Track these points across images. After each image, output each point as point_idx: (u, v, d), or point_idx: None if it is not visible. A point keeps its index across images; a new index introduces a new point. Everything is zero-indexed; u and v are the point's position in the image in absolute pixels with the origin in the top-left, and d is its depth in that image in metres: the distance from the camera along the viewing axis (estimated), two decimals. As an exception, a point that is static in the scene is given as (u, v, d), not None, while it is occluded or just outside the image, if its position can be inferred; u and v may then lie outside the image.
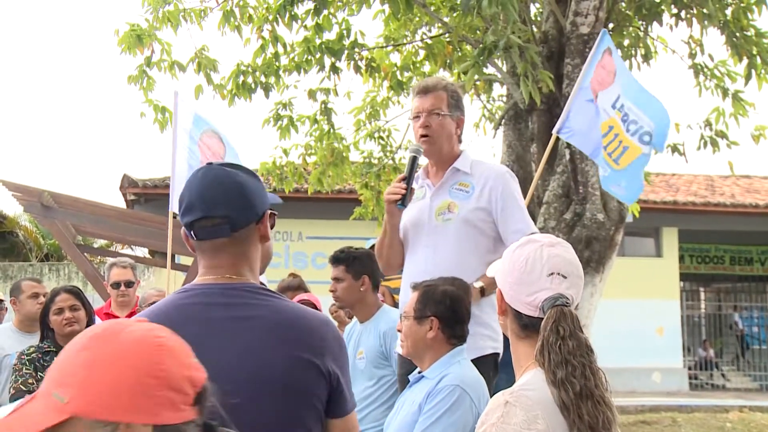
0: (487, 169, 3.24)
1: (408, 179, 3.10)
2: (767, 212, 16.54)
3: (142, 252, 14.78)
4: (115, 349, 1.09)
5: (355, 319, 4.13)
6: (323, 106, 7.93)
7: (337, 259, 3.92)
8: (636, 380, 16.02)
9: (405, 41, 8.20)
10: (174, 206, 4.06)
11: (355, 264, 3.83)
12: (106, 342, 1.10)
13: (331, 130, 8.15)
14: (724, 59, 6.85)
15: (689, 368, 17.75)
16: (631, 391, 15.20)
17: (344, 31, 7.02)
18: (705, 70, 7.01)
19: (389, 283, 4.83)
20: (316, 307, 4.10)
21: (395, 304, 4.45)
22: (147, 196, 14.65)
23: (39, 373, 3.69)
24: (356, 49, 7.16)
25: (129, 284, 5.14)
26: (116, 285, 5.11)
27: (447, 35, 7.31)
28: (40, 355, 3.75)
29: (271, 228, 1.80)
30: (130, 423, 1.07)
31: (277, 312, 1.68)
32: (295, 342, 1.66)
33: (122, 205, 15.01)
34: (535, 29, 6.33)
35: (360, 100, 8.68)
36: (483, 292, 3.03)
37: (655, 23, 7.00)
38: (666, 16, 6.91)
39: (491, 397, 1.81)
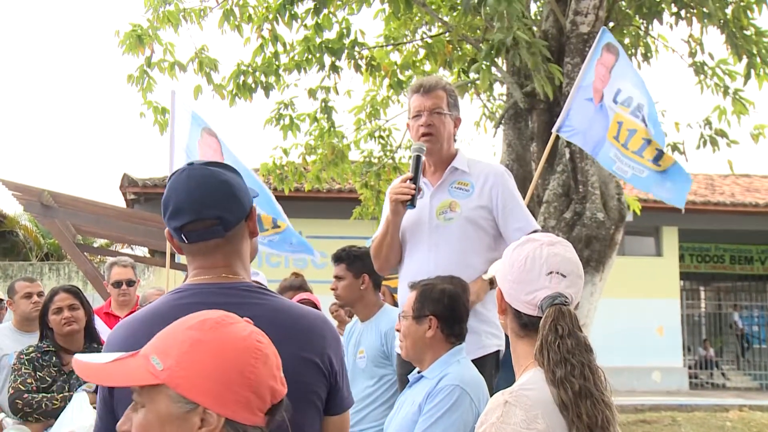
0: (485, 168, 3.26)
1: (415, 179, 3.09)
2: (767, 211, 16.53)
3: (141, 251, 14.79)
4: (220, 338, 1.17)
5: (355, 318, 4.12)
6: (323, 104, 7.93)
7: (338, 258, 3.92)
8: (636, 379, 16.02)
9: (405, 40, 8.19)
10: None
11: (356, 262, 3.83)
12: (215, 329, 1.18)
13: (332, 128, 8.15)
14: (725, 58, 6.85)
15: (689, 367, 17.75)
16: (631, 390, 15.20)
17: (344, 30, 7.01)
18: (705, 68, 7.00)
19: (389, 283, 4.82)
20: (316, 307, 4.10)
21: (396, 304, 4.45)
22: (147, 195, 14.64)
23: (38, 373, 3.69)
24: (356, 48, 7.16)
25: (130, 283, 5.13)
26: (117, 284, 5.11)
27: (447, 34, 7.31)
28: (39, 355, 3.75)
29: None
30: (208, 409, 1.14)
31: (274, 311, 1.67)
32: (294, 341, 1.65)
33: (122, 204, 15.01)
34: (535, 28, 6.32)
35: (360, 98, 8.69)
36: (492, 283, 3.02)
37: (655, 22, 7.00)
38: (666, 15, 6.91)
39: (491, 396, 1.82)
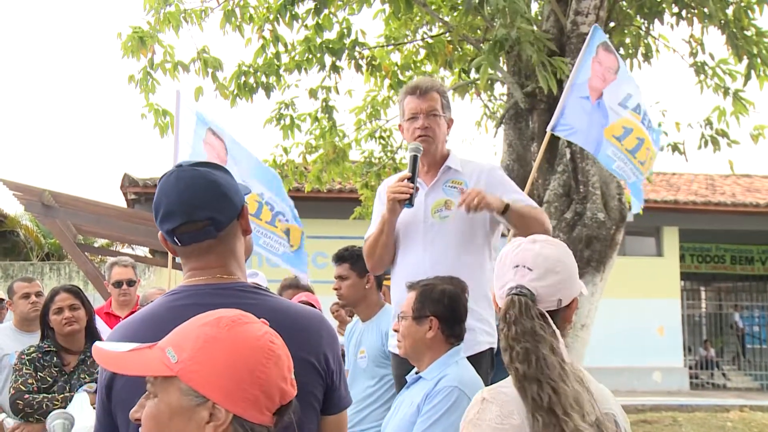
0: (476, 167, 3.30)
1: (412, 178, 3.10)
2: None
3: (142, 251, 14.80)
4: (235, 337, 1.20)
5: (356, 318, 4.12)
6: (324, 104, 7.93)
7: (341, 257, 3.92)
8: (637, 379, 16.02)
9: (406, 41, 8.19)
10: None
11: (359, 262, 3.82)
12: (230, 328, 1.21)
13: (333, 128, 8.15)
14: (725, 58, 6.84)
15: (690, 367, 17.74)
16: (631, 390, 15.20)
17: (345, 30, 7.01)
18: (706, 68, 7.00)
19: (389, 282, 4.82)
20: (315, 307, 4.10)
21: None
22: (147, 195, 14.63)
23: (39, 373, 3.69)
24: (357, 49, 7.16)
25: (130, 283, 5.14)
26: (118, 284, 5.11)
27: (447, 34, 7.31)
28: (40, 355, 3.75)
29: None
30: (217, 404, 1.17)
31: (270, 311, 1.65)
32: (291, 341, 1.65)
33: (123, 204, 15.01)
34: (535, 28, 6.32)
35: (361, 99, 8.69)
36: (507, 208, 3.07)
37: (656, 22, 7.00)
38: (667, 15, 6.91)
39: None
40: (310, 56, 7.05)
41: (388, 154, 8.97)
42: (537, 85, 5.71)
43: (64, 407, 3.45)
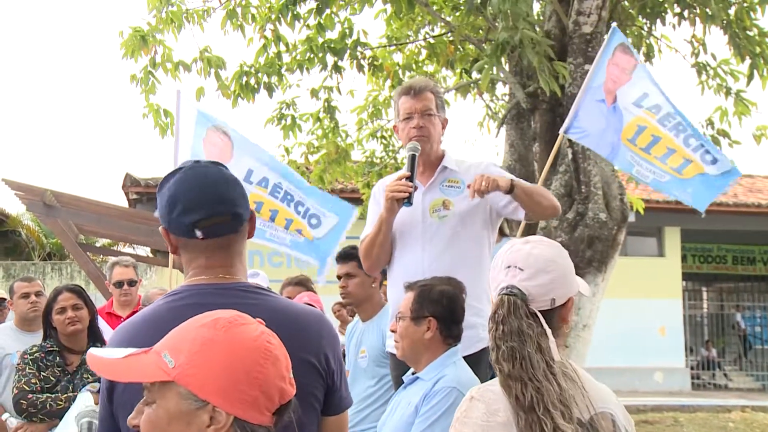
0: (472, 165, 3.32)
1: (411, 177, 3.11)
2: (769, 212, 16.53)
3: (144, 251, 14.80)
4: (232, 338, 1.19)
5: (356, 317, 4.12)
6: (326, 104, 7.93)
7: (348, 255, 3.91)
8: (638, 380, 16.01)
9: (407, 41, 8.20)
10: None
11: None
12: (227, 329, 1.20)
13: (335, 128, 8.15)
14: (727, 58, 6.84)
15: (691, 368, 17.73)
16: (633, 390, 15.19)
17: (347, 31, 7.01)
18: (708, 69, 7.00)
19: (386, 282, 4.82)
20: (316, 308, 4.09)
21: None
22: (149, 195, 14.63)
23: (42, 373, 3.69)
24: (359, 49, 7.16)
25: (131, 283, 5.14)
26: (119, 284, 5.12)
27: (449, 35, 7.31)
28: (43, 355, 3.75)
29: None
30: (216, 407, 1.16)
31: (271, 311, 1.65)
32: (293, 342, 1.64)
33: (124, 204, 15.01)
34: (538, 29, 6.32)
35: (363, 98, 8.69)
36: (512, 187, 3.06)
37: (658, 22, 6.99)
38: (669, 16, 6.90)
39: None
40: (312, 56, 7.05)
41: (390, 153, 8.97)
42: (539, 85, 5.71)
43: (68, 407, 3.45)
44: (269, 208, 4.93)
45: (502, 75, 6.65)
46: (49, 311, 3.81)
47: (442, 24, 7.45)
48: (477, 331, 3.01)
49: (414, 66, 8.11)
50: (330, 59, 7.12)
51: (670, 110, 4.58)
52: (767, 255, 20.03)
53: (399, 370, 3.06)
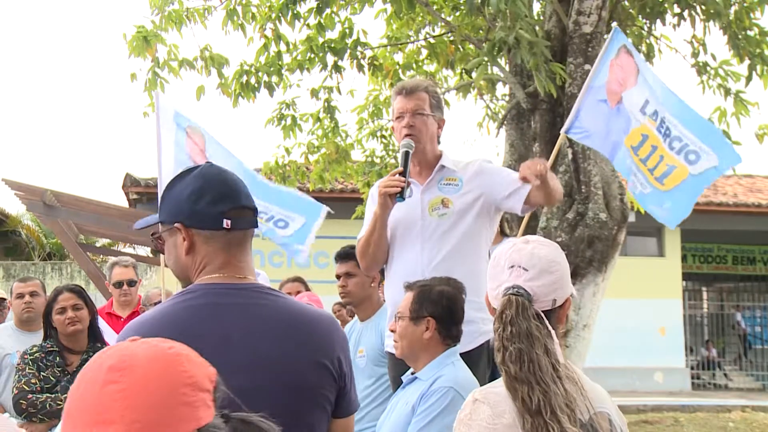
0: (469, 163, 3.32)
1: (404, 173, 3.11)
2: (770, 212, 16.52)
3: (144, 251, 14.80)
4: (141, 372, 1.08)
5: (355, 317, 4.12)
6: (326, 104, 7.93)
7: (347, 255, 3.91)
8: (638, 380, 16.01)
9: (408, 41, 8.19)
10: None
11: None
12: (128, 369, 1.08)
13: (336, 128, 8.14)
14: (727, 59, 6.84)
15: (692, 368, 17.73)
16: (633, 390, 15.19)
17: (347, 30, 7.01)
18: (708, 69, 6.99)
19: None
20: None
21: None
22: (149, 195, 14.63)
23: (41, 373, 3.69)
24: (359, 48, 7.16)
25: (131, 283, 5.14)
26: (118, 284, 5.11)
27: (449, 35, 7.30)
28: (43, 355, 3.75)
29: None
30: None
31: (288, 313, 1.67)
32: (308, 344, 1.66)
33: (125, 204, 15.01)
34: (537, 28, 6.32)
35: (363, 98, 8.69)
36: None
37: (658, 22, 6.99)
38: (669, 16, 6.90)
39: None
40: (312, 56, 7.05)
41: (390, 153, 8.96)
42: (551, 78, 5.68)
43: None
44: None
45: (501, 75, 6.65)
46: (50, 311, 3.80)
47: (443, 24, 7.44)
48: (478, 326, 3.00)
49: (414, 66, 8.10)
50: (330, 59, 7.12)
51: (665, 114, 4.53)
52: (767, 255, 20.02)
53: (397, 370, 3.07)
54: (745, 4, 6.48)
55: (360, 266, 3.45)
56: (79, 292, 3.85)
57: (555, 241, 2.22)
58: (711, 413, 11.71)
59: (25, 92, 50.60)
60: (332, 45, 6.97)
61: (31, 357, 3.73)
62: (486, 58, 5.39)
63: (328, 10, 6.75)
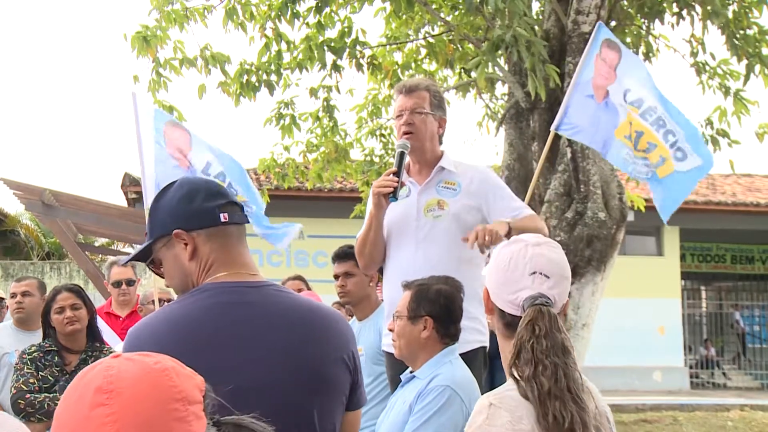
0: (470, 168, 3.30)
1: (398, 173, 3.10)
2: (768, 211, 16.53)
3: (143, 251, 14.76)
4: (130, 393, 1.04)
5: (353, 317, 4.13)
6: (325, 103, 7.92)
7: (346, 254, 3.91)
8: (637, 379, 16.02)
9: (407, 40, 8.20)
10: (149, 204, 3.90)
11: None
12: (115, 390, 1.05)
13: (335, 127, 8.14)
14: (726, 58, 6.84)
15: (690, 367, 17.74)
16: (632, 389, 15.21)
17: (346, 29, 7.01)
18: (707, 68, 7.00)
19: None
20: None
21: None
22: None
23: (40, 373, 3.68)
24: (358, 47, 7.16)
25: (130, 283, 5.13)
26: (117, 284, 5.11)
27: (449, 34, 7.30)
28: (41, 355, 3.74)
29: None
30: None
31: (302, 309, 1.69)
32: (326, 340, 1.69)
33: (123, 203, 15.01)
34: (536, 28, 6.32)
35: (362, 97, 8.69)
36: (509, 231, 2.98)
37: (656, 21, 6.99)
38: (668, 15, 6.90)
39: (482, 394, 1.82)
40: (312, 55, 7.05)
41: (390, 152, 8.97)
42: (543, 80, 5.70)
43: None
44: None
45: (501, 74, 6.65)
46: (48, 311, 3.80)
47: (442, 23, 7.44)
48: (464, 334, 2.97)
49: (413, 65, 8.11)
50: (329, 58, 7.12)
51: (652, 103, 4.56)
52: (766, 254, 20.03)
53: (395, 369, 3.07)
54: (744, 3, 6.48)
55: (358, 265, 3.45)
56: (78, 291, 3.85)
57: (554, 240, 2.21)
58: (710, 412, 11.71)
59: (24, 92, 50.59)
60: (331, 44, 6.97)
61: (30, 356, 3.73)
62: (485, 57, 5.38)
63: (327, 9, 6.74)
